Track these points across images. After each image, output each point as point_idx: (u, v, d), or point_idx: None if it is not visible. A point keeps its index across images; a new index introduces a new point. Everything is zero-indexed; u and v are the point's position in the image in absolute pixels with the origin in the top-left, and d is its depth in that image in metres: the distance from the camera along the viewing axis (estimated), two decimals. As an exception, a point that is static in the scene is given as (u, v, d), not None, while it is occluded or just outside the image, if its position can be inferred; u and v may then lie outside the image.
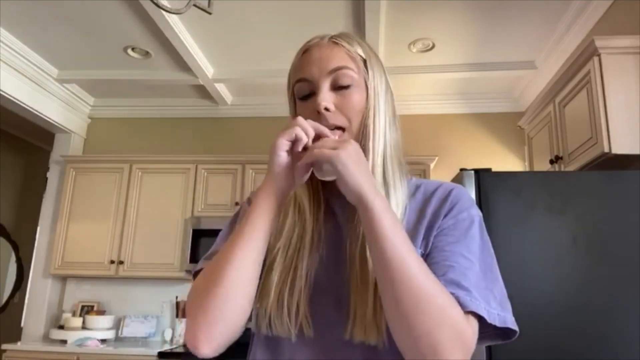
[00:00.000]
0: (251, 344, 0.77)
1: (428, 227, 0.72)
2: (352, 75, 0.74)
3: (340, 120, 0.73)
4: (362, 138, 0.74)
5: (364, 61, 0.76)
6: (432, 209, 0.74)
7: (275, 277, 0.71)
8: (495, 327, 0.65)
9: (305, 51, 0.77)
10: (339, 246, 0.74)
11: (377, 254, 0.62)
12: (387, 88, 0.79)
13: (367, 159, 0.72)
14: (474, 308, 0.63)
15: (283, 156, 0.68)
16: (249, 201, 0.84)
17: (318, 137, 0.68)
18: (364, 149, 0.73)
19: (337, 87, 0.74)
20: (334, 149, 0.64)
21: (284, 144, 0.67)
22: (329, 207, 0.78)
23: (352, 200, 0.65)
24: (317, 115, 0.73)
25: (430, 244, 0.71)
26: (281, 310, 0.69)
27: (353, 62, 0.75)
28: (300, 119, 0.68)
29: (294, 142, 0.67)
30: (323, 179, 0.71)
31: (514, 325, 0.67)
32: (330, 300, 0.71)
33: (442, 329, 0.59)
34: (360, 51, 0.76)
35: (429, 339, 0.58)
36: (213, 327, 0.64)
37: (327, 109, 0.72)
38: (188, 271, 3.33)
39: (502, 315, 0.66)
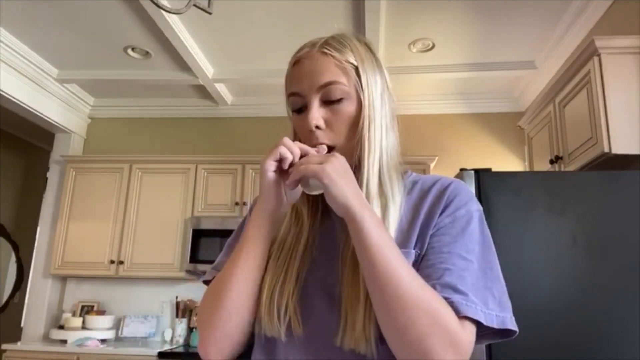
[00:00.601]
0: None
1: (423, 225, 0.72)
2: (342, 88, 0.73)
3: (331, 138, 0.74)
4: (358, 149, 0.74)
5: (356, 68, 0.74)
6: (427, 207, 0.73)
7: (267, 278, 0.72)
8: (489, 328, 0.65)
9: (296, 62, 0.76)
10: (333, 251, 0.74)
11: (366, 265, 0.63)
12: (383, 90, 0.77)
13: (362, 171, 0.73)
14: (469, 313, 0.62)
15: (271, 176, 0.69)
16: (252, 210, 0.84)
17: (304, 155, 0.69)
18: (359, 160, 0.73)
19: (327, 102, 0.74)
20: (320, 163, 0.65)
21: (271, 165, 0.69)
22: (326, 213, 0.78)
23: (339, 213, 0.66)
24: (309, 132, 0.73)
25: (426, 244, 0.70)
26: (272, 310, 0.70)
27: (343, 73, 0.73)
28: (285, 139, 0.69)
29: (281, 161, 0.69)
30: (311, 193, 0.71)
31: (513, 326, 0.66)
32: (322, 302, 0.71)
33: (433, 336, 0.59)
34: (351, 58, 0.74)
35: (420, 347, 0.59)
36: (221, 341, 0.71)
37: (318, 127, 0.73)
38: (188, 271, 3.33)
39: (501, 316, 0.65)
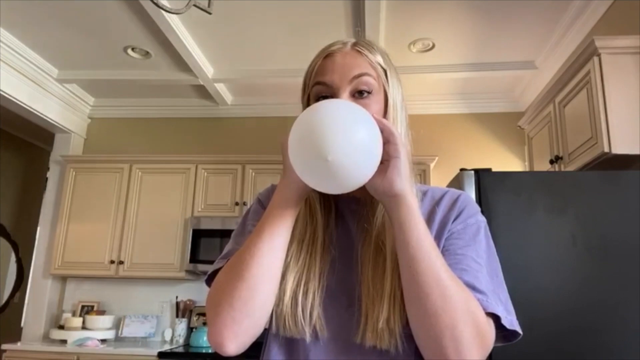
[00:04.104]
0: (265, 344, 0.77)
1: (439, 230, 0.74)
2: (372, 83, 0.74)
3: None
4: None
5: (385, 71, 0.76)
6: (442, 214, 0.75)
7: (289, 278, 0.71)
8: (499, 329, 0.66)
9: (328, 55, 0.76)
10: (350, 250, 0.74)
11: (412, 247, 0.63)
12: (402, 100, 0.79)
13: None
14: (494, 310, 0.64)
15: None
16: (259, 201, 0.84)
17: None
18: None
19: (356, 94, 0.73)
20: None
21: None
22: (338, 212, 0.79)
23: (388, 193, 0.65)
24: None
25: (441, 248, 0.72)
26: (295, 311, 0.69)
27: (374, 71, 0.75)
28: None
29: None
30: None
31: (519, 328, 0.68)
32: (343, 303, 0.71)
33: (466, 324, 0.60)
34: (381, 61, 0.76)
35: (453, 333, 0.59)
36: (238, 323, 0.64)
37: None
38: (188, 271, 3.33)
39: (509, 318, 0.67)
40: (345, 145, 0.57)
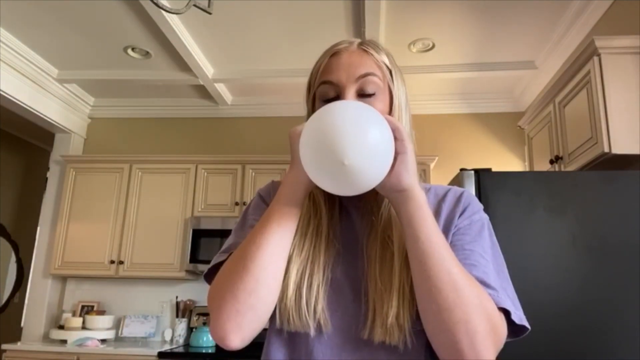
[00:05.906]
0: (266, 342, 0.76)
1: (445, 226, 0.74)
2: (378, 82, 0.74)
3: None
4: None
5: (390, 72, 0.76)
6: (447, 210, 0.76)
7: (292, 270, 0.70)
8: (508, 324, 0.66)
9: (334, 54, 0.76)
10: (354, 244, 0.74)
11: (423, 241, 0.63)
12: (407, 100, 0.79)
13: None
14: (505, 305, 0.64)
15: None
16: (260, 196, 0.83)
17: None
18: None
19: (362, 94, 0.74)
20: None
21: None
22: (342, 206, 0.79)
23: (395, 188, 0.64)
24: None
25: (449, 243, 0.71)
26: (299, 304, 0.68)
27: (380, 71, 0.75)
28: None
29: None
30: None
31: (527, 323, 0.68)
32: (348, 297, 0.71)
33: (480, 317, 0.60)
34: (387, 61, 0.77)
35: (467, 327, 0.59)
36: (242, 315, 0.63)
37: None
38: (188, 271, 3.33)
39: (518, 313, 0.68)
40: (361, 148, 0.57)
